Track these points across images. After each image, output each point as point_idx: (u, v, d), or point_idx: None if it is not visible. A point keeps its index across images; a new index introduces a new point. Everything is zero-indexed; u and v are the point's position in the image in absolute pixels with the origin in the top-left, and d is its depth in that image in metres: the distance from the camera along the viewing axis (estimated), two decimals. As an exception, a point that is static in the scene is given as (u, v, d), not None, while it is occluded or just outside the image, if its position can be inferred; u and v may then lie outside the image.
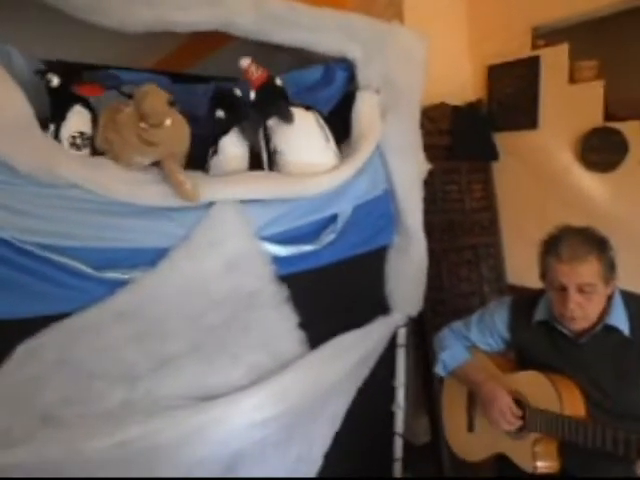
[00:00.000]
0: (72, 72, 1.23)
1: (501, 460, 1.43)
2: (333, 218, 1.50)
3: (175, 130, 1.23)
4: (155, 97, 1.15)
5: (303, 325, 1.43)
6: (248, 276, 1.30)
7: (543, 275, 1.31)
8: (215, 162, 1.35)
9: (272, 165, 1.43)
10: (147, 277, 1.16)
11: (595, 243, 1.22)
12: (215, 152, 1.36)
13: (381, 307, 1.75)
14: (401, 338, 1.93)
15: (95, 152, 1.22)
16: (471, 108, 2.29)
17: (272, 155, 1.42)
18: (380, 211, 1.66)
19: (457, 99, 2.31)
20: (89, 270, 1.11)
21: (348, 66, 1.60)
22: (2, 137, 1.01)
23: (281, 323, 1.39)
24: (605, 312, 1.26)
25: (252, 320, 1.32)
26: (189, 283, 1.21)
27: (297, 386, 1.39)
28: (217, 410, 1.24)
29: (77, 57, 1.61)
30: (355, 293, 1.65)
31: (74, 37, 1.53)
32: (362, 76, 1.57)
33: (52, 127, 1.16)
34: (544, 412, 1.29)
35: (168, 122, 1.18)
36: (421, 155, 1.77)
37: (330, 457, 1.60)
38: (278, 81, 1.40)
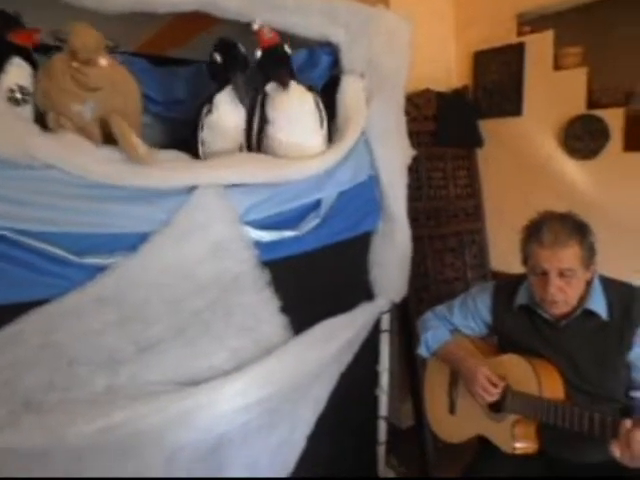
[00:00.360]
0: (11, 21, 1.15)
1: (482, 441, 1.46)
2: (317, 204, 1.50)
3: (116, 76, 1.14)
4: (86, 32, 1.07)
5: (287, 310, 1.43)
6: (231, 261, 1.29)
7: (525, 260, 1.33)
8: (210, 120, 1.34)
9: (260, 134, 1.41)
10: (128, 262, 1.15)
11: (576, 228, 1.24)
12: (210, 111, 1.34)
13: (365, 293, 1.76)
14: (385, 323, 1.94)
15: (38, 111, 1.15)
16: (456, 94, 2.28)
17: (263, 124, 1.40)
18: (365, 197, 1.66)
19: (442, 85, 2.30)
20: (69, 256, 1.10)
21: (332, 50, 1.58)
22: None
23: (264, 308, 1.39)
24: (585, 297, 1.28)
25: (235, 304, 1.32)
26: (171, 267, 1.20)
27: (281, 371, 1.40)
28: (201, 395, 1.24)
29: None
30: (339, 279, 1.66)
31: (52, 20, 1.49)
32: (346, 60, 1.56)
33: None
34: (523, 395, 1.31)
35: (103, 62, 1.10)
36: (406, 141, 1.78)
37: (315, 440, 1.61)
38: (287, 49, 1.39)
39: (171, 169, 1.18)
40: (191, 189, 1.22)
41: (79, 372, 1.16)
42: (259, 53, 1.38)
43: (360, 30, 1.55)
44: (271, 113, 1.40)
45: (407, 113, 1.79)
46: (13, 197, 1.04)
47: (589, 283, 1.29)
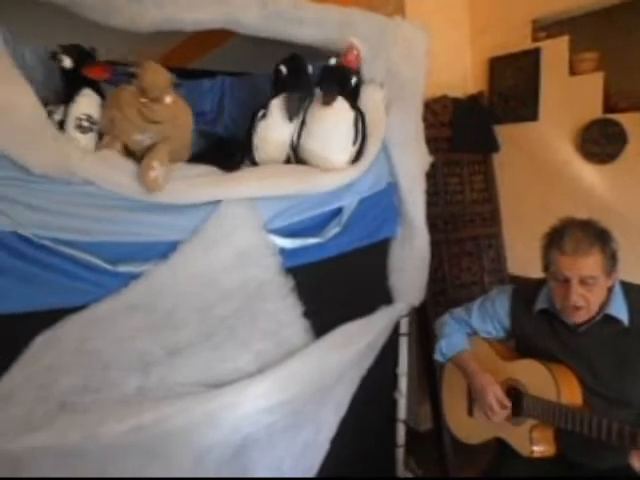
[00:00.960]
0: (85, 55, 1.25)
1: (500, 444, 1.48)
2: (338, 211, 1.54)
3: (177, 111, 1.25)
4: (156, 72, 1.18)
5: (309, 314, 1.47)
6: (256, 268, 1.33)
7: (546, 267, 1.33)
8: (263, 125, 1.40)
9: (299, 139, 1.46)
10: (159, 270, 1.20)
11: (598, 236, 1.24)
12: (264, 115, 1.41)
13: (385, 297, 1.79)
14: (404, 327, 1.97)
15: (101, 137, 1.23)
16: (472, 100, 2.30)
17: (302, 128, 1.45)
18: (384, 204, 1.69)
19: (458, 91, 2.32)
20: (104, 264, 1.15)
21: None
22: (15, 137, 1.03)
23: (287, 313, 1.43)
24: (606, 302, 1.28)
25: (260, 310, 1.37)
26: (200, 275, 1.25)
27: (302, 374, 1.44)
28: (226, 397, 1.29)
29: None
30: (359, 284, 1.69)
31: (77, 31, 1.54)
32: (366, 71, 1.59)
33: (61, 109, 1.18)
34: (542, 400, 1.33)
35: (168, 99, 1.20)
36: (424, 148, 1.80)
37: (335, 443, 1.64)
38: (354, 79, 1.48)
39: (198, 185, 1.23)
40: (219, 199, 1.26)
41: (112, 375, 1.21)
42: (332, 61, 1.46)
43: (379, 41, 1.59)
44: (310, 120, 1.45)
45: (424, 119, 1.81)
46: (52, 208, 1.10)
47: (610, 289, 1.29)
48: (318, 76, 1.48)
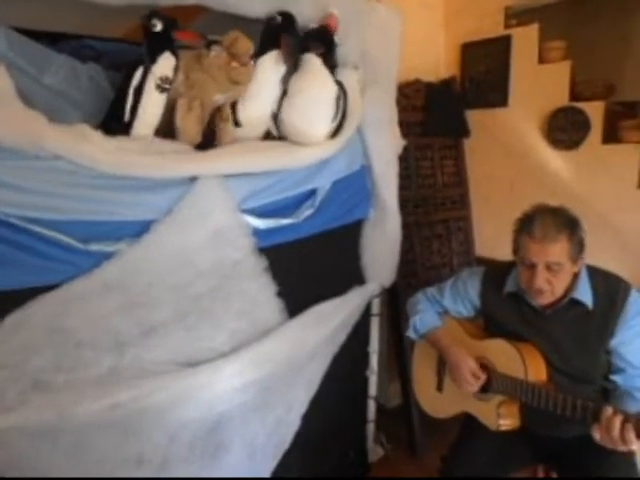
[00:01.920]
0: (172, 22, 1.31)
1: (466, 417, 1.55)
2: (312, 193, 1.55)
3: (252, 72, 1.39)
4: (246, 40, 1.32)
5: (283, 294, 1.48)
6: (230, 248, 1.33)
7: (515, 251, 1.37)
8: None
9: (279, 107, 1.47)
10: (133, 249, 1.19)
11: (567, 223, 1.28)
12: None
13: (357, 278, 1.83)
14: (375, 307, 2.02)
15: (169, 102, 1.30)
16: (444, 85, 2.34)
17: (283, 96, 1.46)
18: (357, 186, 1.71)
19: (431, 76, 2.35)
20: (75, 243, 1.13)
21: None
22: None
23: (261, 292, 1.44)
24: (571, 287, 1.33)
25: (234, 289, 1.37)
26: (174, 254, 1.24)
27: (276, 352, 1.46)
28: (201, 375, 1.30)
29: (42, 25, 1.53)
30: (332, 264, 1.72)
31: (41, 4, 1.49)
32: (340, 52, 1.59)
33: (141, 70, 1.26)
34: (509, 378, 1.38)
35: (252, 63, 1.36)
36: (397, 131, 1.83)
37: (308, 419, 1.68)
38: (336, 39, 1.52)
39: (174, 160, 1.22)
40: (193, 178, 1.25)
41: (85, 354, 1.20)
42: (313, 25, 1.48)
43: (353, 22, 1.59)
44: (292, 90, 1.45)
45: (397, 103, 1.83)
46: (20, 185, 1.06)
47: (576, 274, 1.34)
48: (301, 41, 1.48)
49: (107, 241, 1.18)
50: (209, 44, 1.34)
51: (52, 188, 1.10)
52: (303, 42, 1.48)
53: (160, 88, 1.27)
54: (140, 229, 1.21)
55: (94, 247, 1.16)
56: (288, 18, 1.45)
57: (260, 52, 1.42)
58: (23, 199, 1.07)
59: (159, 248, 1.23)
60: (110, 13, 1.29)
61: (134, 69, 1.27)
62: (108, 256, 1.18)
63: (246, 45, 1.32)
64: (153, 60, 1.27)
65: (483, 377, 1.44)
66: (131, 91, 1.27)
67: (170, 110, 1.31)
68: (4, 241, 1.07)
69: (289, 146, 1.44)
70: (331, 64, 1.51)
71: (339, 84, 1.50)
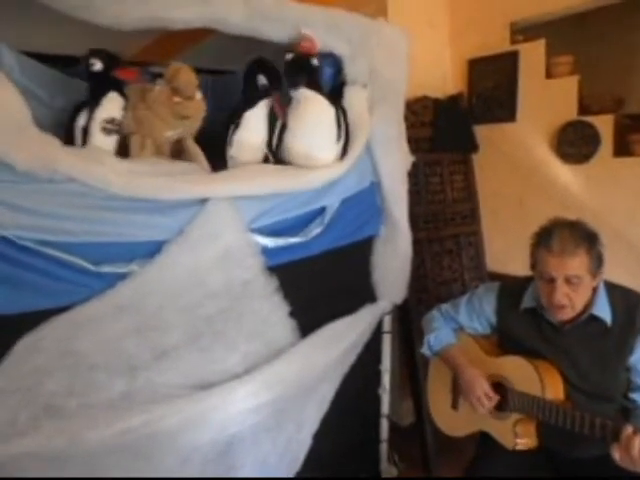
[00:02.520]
0: (112, 59, 1.31)
1: (482, 436, 1.52)
2: (321, 211, 1.55)
3: (202, 105, 1.34)
4: (188, 72, 1.26)
5: (294, 313, 1.48)
6: (241, 267, 1.34)
7: (533, 265, 1.36)
8: (238, 137, 1.41)
9: (280, 141, 1.48)
10: (145, 270, 1.19)
11: (585, 237, 1.27)
12: (237, 127, 1.41)
13: (368, 295, 1.82)
14: (387, 325, 2.00)
15: (123, 138, 1.28)
16: (452, 101, 2.34)
17: (283, 130, 1.47)
18: (367, 203, 1.71)
19: (438, 92, 2.36)
20: (87, 265, 1.14)
21: (334, 61, 1.64)
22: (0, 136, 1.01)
23: (273, 312, 1.44)
24: (590, 302, 1.32)
25: (246, 310, 1.37)
26: (186, 276, 1.24)
27: (289, 373, 1.45)
28: (214, 398, 1.29)
29: (53, 49, 1.57)
30: (343, 282, 1.71)
31: (50, 27, 1.51)
32: (350, 71, 1.61)
33: (86, 112, 1.24)
34: (526, 395, 1.36)
35: (198, 96, 1.29)
36: (406, 148, 1.83)
37: (320, 439, 1.66)
38: (315, 61, 1.48)
39: (185, 182, 1.22)
40: (204, 200, 1.26)
41: (98, 377, 1.20)
42: (289, 56, 1.46)
43: (362, 42, 1.61)
44: (291, 120, 1.45)
45: (406, 120, 1.84)
46: (33, 208, 1.07)
47: (595, 289, 1.32)
48: (285, 71, 1.49)
49: (119, 263, 1.19)
50: (155, 77, 1.30)
51: (65, 211, 1.11)
52: (287, 78, 1.48)
53: (106, 130, 1.24)
54: (151, 250, 1.22)
55: (106, 269, 1.17)
56: (272, 75, 1.45)
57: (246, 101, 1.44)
58: (36, 222, 1.08)
59: (171, 269, 1.23)
60: (120, 35, 1.30)
61: (78, 111, 1.26)
62: (120, 278, 1.18)
63: (188, 78, 1.26)
64: (96, 103, 1.25)
65: (495, 398, 1.42)
66: (78, 133, 1.26)
67: (125, 146, 1.29)
68: (18, 264, 1.08)
69: (298, 169, 1.44)
70: (319, 85, 1.50)
71: (334, 103, 1.50)
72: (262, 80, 1.44)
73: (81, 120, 1.25)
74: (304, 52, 1.46)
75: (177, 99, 1.26)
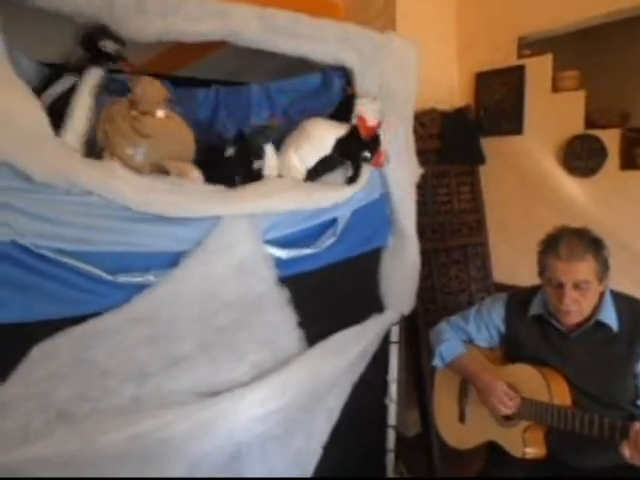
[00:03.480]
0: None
1: (491, 448, 1.52)
2: (333, 222, 1.56)
3: (173, 127, 1.21)
4: (148, 85, 1.15)
5: (303, 323, 1.48)
6: (255, 279, 1.35)
7: (541, 272, 1.39)
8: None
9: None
10: (162, 283, 1.21)
11: (591, 243, 1.30)
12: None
13: (376, 305, 1.83)
14: (394, 335, 2.00)
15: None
16: (459, 113, 2.37)
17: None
18: (377, 214, 1.73)
19: (446, 105, 2.39)
20: (104, 274, 1.15)
21: (344, 73, 1.66)
22: (18, 146, 1.03)
23: (283, 323, 1.45)
24: (597, 308, 1.34)
25: (258, 321, 1.38)
26: (201, 287, 1.26)
27: (297, 381, 1.45)
28: (223, 404, 1.30)
29: (65, 58, 1.62)
30: (352, 292, 1.72)
31: (60, 37, 1.54)
32: (360, 84, 1.63)
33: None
34: (535, 401, 1.37)
35: (160, 113, 1.16)
36: (414, 160, 1.85)
37: (327, 449, 1.66)
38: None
39: (202, 200, 1.23)
40: (220, 213, 1.28)
41: (109, 384, 1.21)
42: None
43: (372, 55, 1.63)
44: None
45: (414, 131, 1.86)
46: (53, 218, 1.09)
47: (602, 295, 1.35)
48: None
49: (135, 272, 1.20)
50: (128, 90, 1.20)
51: (82, 221, 1.12)
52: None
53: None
54: (168, 260, 1.23)
55: (122, 278, 1.18)
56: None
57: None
58: (54, 231, 1.09)
59: (186, 282, 1.24)
60: (132, 46, 1.32)
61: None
62: (136, 287, 1.19)
63: (146, 91, 1.13)
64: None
65: (516, 397, 1.42)
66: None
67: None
68: (35, 272, 1.09)
69: (313, 187, 1.46)
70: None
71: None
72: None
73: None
74: (373, 133, 1.51)
75: (134, 112, 1.14)
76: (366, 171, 1.57)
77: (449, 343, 1.59)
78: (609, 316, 1.34)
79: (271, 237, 1.40)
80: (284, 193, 1.38)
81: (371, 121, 1.50)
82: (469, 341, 1.61)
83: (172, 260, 1.23)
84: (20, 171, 1.03)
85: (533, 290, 1.48)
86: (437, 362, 1.63)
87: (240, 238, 1.29)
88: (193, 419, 1.25)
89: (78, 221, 1.12)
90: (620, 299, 1.37)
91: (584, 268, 1.28)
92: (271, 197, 1.35)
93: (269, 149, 1.44)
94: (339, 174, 1.57)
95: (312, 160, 1.48)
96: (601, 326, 1.34)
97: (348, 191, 1.52)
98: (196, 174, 1.23)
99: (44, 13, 1.12)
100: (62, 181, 1.07)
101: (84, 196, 1.11)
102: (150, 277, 1.20)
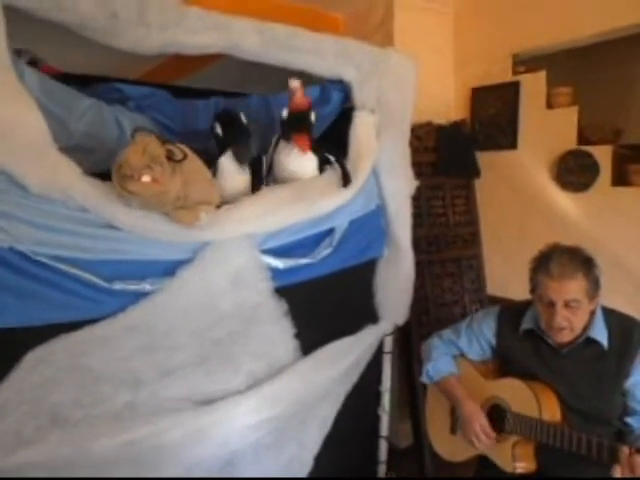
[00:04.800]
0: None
1: (482, 461, 1.53)
2: (329, 232, 1.58)
3: (159, 188, 1.14)
4: (135, 150, 1.11)
5: (298, 334, 1.49)
6: (251, 290, 1.36)
7: (533, 289, 1.40)
8: (218, 181, 1.41)
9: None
10: (157, 293, 1.22)
11: (583, 262, 1.31)
12: (214, 174, 1.41)
13: (370, 316, 1.83)
14: (388, 346, 2.01)
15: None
16: (455, 127, 2.40)
17: (273, 165, 1.51)
18: (372, 225, 1.75)
19: (442, 118, 2.42)
20: (100, 281, 1.16)
21: (342, 86, 1.69)
22: (17, 156, 1.04)
23: (280, 335, 1.45)
24: (588, 326, 1.35)
25: (254, 332, 1.39)
26: (198, 298, 1.27)
27: (290, 391, 1.46)
28: (217, 413, 1.30)
29: (61, 67, 1.61)
30: (346, 303, 1.73)
31: (58, 48, 1.56)
32: (358, 97, 1.66)
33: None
34: (524, 417, 1.38)
35: (146, 178, 1.11)
36: (410, 172, 1.87)
37: (319, 458, 1.66)
38: (312, 116, 1.47)
39: (215, 225, 1.25)
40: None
41: (104, 390, 1.21)
42: (285, 113, 1.46)
43: (371, 69, 1.66)
44: (276, 171, 1.51)
45: (409, 144, 1.88)
46: (50, 226, 1.10)
47: (593, 313, 1.36)
48: (280, 128, 1.50)
49: (131, 280, 1.21)
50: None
51: (79, 229, 1.13)
52: (283, 132, 1.50)
53: None
54: (164, 269, 1.24)
55: (118, 286, 1.19)
56: (230, 127, 1.43)
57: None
58: (51, 238, 1.10)
59: (183, 292, 1.25)
60: (128, 56, 1.32)
61: None
62: (132, 295, 1.20)
63: (131, 159, 1.09)
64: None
65: (493, 435, 1.44)
66: None
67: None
68: (32, 278, 1.10)
69: (309, 196, 1.45)
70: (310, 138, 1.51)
71: (315, 150, 1.53)
72: (218, 129, 1.44)
73: None
74: (301, 109, 1.46)
75: (121, 173, 1.11)
76: (363, 174, 1.59)
77: (436, 363, 1.60)
78: (600, 333, 1.35)
79: (268, 247, 1.42)
80: (279, 209, 1.38)
81: (301, 98, 1.46)
82: (460, 355, 1.62)
83: (168, 269, 1.25)
84: (18, 181, 1.04)
85: (525, 305, 1.49)
86: (425, 379, 1.64)
87: (237, 248, 1.31)
88: (187, 426, 1.25)
89: (74, 229, 1.13)
90: (611, 316, 1.38)
91: (575, 287, 1.29)
92: (267, 216, 1.35)
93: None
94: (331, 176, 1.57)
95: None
96: (592, 342, 1.35)
97: (347, 194, 1.53)
98: (201, 218, 1.20)
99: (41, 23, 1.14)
100: (59, 194, 1.08)
101: (79, 212, 1.12)
102: (146, 285, 1.22)
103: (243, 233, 1.31)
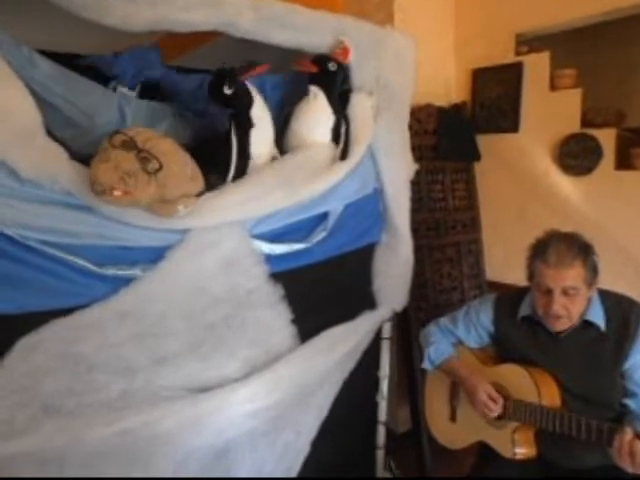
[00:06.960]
0: None
1: (482, 447, 1.52)
2: (324, 216, 1.54)
3: (131, 197, 1.11)
4: (106, 170, 1.06)
5: (294, 320, 1.47)
6: (244, 276, 1.33)
7: (530, 277, 1.38)
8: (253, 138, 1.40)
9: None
10: (148, 277, 1.19)
11: (581, 249, 1.30)
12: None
13: (368, 302, 1.81)
14: (386, 332, 2.00)
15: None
16: (456, 110, 2.35)
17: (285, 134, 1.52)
18: (369, 209, 1.71)
19: (442, 101, 2.37)
20: (91, 266, 1.14)
21: (341, 67, 1.64)
22: (8, 142, 1.02)
23: (276, 320, 1.43)
24: (585, 310, 1.34)
25: (249, 318, 1.36)
26: (189, 283, 1.24)
27: (287, 378, 1.44)
28: (213, 400, 1.28)
29: (50, 46, 1.55)
30: (344, 288, 1.71)
31: (48, 25, 1.51)
32: (356, 78, 1.61)
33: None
34: (524, 402, 1.37)
35: (117, 193, 1.08)
36: (409, 155, 1.83)
37: (316, 445, 1.66)
38: (331, 65, 1.52)
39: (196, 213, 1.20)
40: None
41: (97, 378, 1.19)
42: (334, 66, 1.52)
43: (369, 50, 1.61)
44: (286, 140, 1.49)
45: (409, 127, 1.84)
46: (38, 210, 1.07)
47: (590, 298, 1.35)
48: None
49: (122, 265, 1.18)
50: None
51: (69, 214, 1.11)
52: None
53: None
54: (155, 254, 1.21)
55: (109, 271, 1.16)
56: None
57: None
58: (40, 223, 1.08)
59: (173, 276, 1.22)
60: (120, 35, 1.27)
61: None
62: (123, 280, 1.18)
63: (97, 175, 1.04)
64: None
65: (501, 400, 1.42)
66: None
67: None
68: (21, 263, 1.07)
69: (299, 179, 1.41)
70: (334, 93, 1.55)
71: (336, 111, 1.54)
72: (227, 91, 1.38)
73: None
74: (337, 60, 1.52)
75: (94, 187, 1.08)
76: (357, 154, 1.55)
77: (437, 345, 1.59)
78: (597, 315, 1.34)
79: (260, 232, 1.38)
80: (268, 194, 1.33)
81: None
82: (459, 343, 1.61)
83: (159, 254, 1.21)
84: (9, 166, 1.02)
85: (522, 292, 1.48)
86: (426, 365, 1.63)
87: (226, 233, 1.27)
88: (183, 415, 1.23)
89: (63, 214, 1.10)
90: (608, 298, 1.37)
91: (572, 274, 1.28)
92: (253, 202, 1.30)
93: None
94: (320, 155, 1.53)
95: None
96: (589, 325, 1.35)
97: (337, 173, 1.49)
98: (179, 211, 1.16)
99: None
100: (46, 178, 1.06)
101: (66, 196, 1.09)
102: (137, 271, 1.19)
103: (226, 221, 1.27)
